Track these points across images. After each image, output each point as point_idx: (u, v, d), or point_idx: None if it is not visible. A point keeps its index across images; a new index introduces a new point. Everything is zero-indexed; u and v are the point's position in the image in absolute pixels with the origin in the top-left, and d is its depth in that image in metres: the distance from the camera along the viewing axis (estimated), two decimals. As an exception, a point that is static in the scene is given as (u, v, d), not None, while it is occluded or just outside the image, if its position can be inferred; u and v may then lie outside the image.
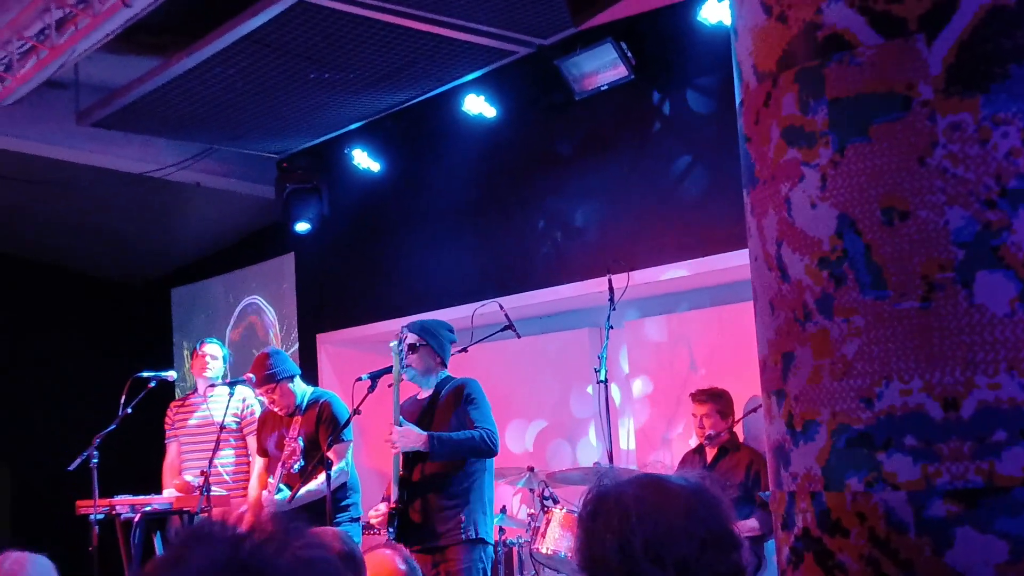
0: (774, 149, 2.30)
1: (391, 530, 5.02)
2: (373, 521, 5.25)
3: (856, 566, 2.12)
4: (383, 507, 5.16)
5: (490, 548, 5.08)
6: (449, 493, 5.01)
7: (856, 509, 2.13)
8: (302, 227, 8.38)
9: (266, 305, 9.48)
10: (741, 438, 6.37)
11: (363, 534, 6.12)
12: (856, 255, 2.15)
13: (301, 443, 5.53)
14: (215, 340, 7.16)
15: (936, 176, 2.09)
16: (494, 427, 5.07)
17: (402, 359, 5.06)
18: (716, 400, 6.18)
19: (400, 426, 4.97)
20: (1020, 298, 2.04)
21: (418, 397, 5.34)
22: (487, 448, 4.99)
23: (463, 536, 4.95)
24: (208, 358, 6.92)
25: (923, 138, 2.10)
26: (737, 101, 2.47)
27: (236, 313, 9.85)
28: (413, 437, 4.95)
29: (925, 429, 2.07)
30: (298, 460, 5.51)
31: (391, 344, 5.10)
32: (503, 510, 6.67)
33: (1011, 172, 2.06)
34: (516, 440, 7.90)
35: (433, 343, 5.22)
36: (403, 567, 3.22)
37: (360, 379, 5.16)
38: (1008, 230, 2.05)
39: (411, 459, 5.07)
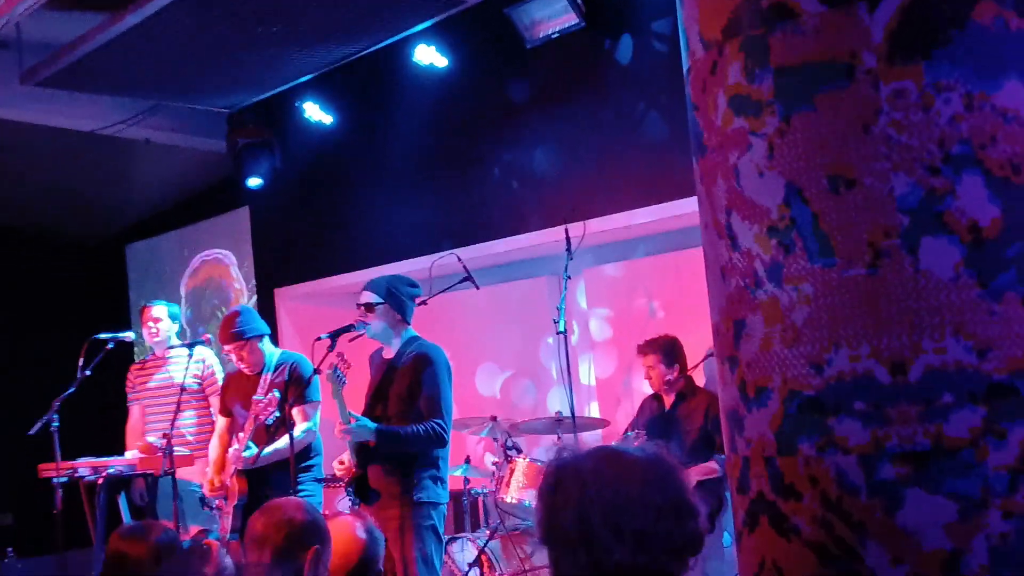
0: (721, 118, 2.31)
1: (349, 490, 5.09)
2: (338, 472, 5.29)
3: (810, 528, 2.17)
4: (347, 457, 5.20)
5: (442, 507, 5.14)
6: (403, 459, 5.06)
7: (809, 473, 2.17)
8: (254, 182, 8.31)
9: (226, 256, 9.42)
10: (702, 382, 6.44)
11: (325, 487, 6.16)
12: (804, 223, 2.17)
13: (278, 394, 5.49)
14: (160, 301, 7.06)
15: (881, 143, 2.11)
16: (447, 414, 5.09)
17: (339, 377, 5.05)
18: (657, 349, 6.22)
19: (349, 423, 5.00)
20: (964, 263, 2.07)
21: (383, 355, 5.35)
22: (432, 442, 5.04)
23: (415, 498, 5.02)
24: (151, 322, 6.85)
25: (867, 106, 2.12)
26: (684, 68, 2.47)
27: (191, 267, 9.79)
28: (365, 432, 5.00)
29: (874, 394, 2.11)
30: (274, 411, 5.47)
31: (327, 373, 5.08)
32: (467, 460, 6.73)
33: (954, 138, 2.09)
34: (482, 388, 7.97)
35: (392, 301, 5.21)
36: (363, 536, 3.26)
37: (319, 338, 5.15)
38: (952, 195, 2.08)
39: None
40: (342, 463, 5.24)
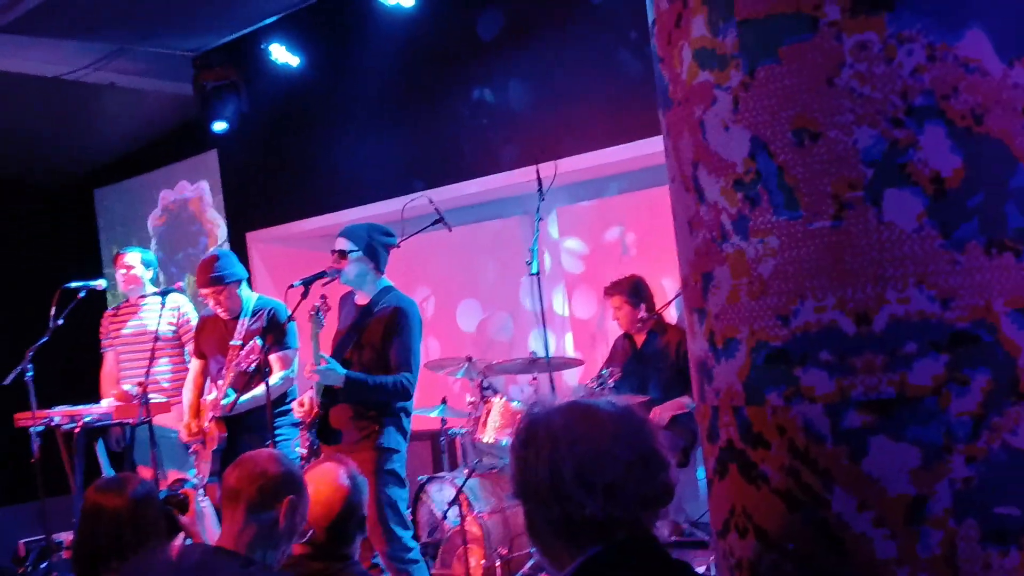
0: (687, 71, 2.31)
1: (311, 432, 5.15)
2: (298, 413, 5.31)
3: (778, 476, 2.21)
4: (307, 399, 5.24)
5: (402, 453, 5.19)
6: (369, 404, 5.10)
7: (776, 422, 2.21)
8: (219, 126, 8.23)
9: (199, 189, 9.36)
10: (675, 318, 6.49)
11: (301, 431, 6.20)
12: (769, 177, 2.19)
13: (260, 342, 5.48)
14: (134, 248, 7.01)
15: (844, 96, 2.12)
16: (416, 368, 5.15)
17: (320, 320, 5.11)
18: (623, 290, 6.26)
19: (320, 364, 5.02)
20: (927, 213, 2.09)
21: (356, 301, 5.36)
22: (398, 395, 5.09)
23: (376, 443, 5.08)
24: (124, 269, 6.80)
25: (831, 58, 2.12)
26: (649, 20, 2.47)
27: (161, 203, 9.73)
28: (333, 376, 5.04)
29: (839, 344, 2.13)
30: (259, 357, 5.44)
31: (309, 314, 5.12)
32: (444, 401, 6.77)
33: (916, 89, 2.10)
34: (463, 325, 8.01)
35: (368, 252, 5.21)
36: (346, 482, 3.29)
37: (293, 286, 5.16)
38: (914, 147, 2.10)
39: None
40: (302, 404, 5.28)
